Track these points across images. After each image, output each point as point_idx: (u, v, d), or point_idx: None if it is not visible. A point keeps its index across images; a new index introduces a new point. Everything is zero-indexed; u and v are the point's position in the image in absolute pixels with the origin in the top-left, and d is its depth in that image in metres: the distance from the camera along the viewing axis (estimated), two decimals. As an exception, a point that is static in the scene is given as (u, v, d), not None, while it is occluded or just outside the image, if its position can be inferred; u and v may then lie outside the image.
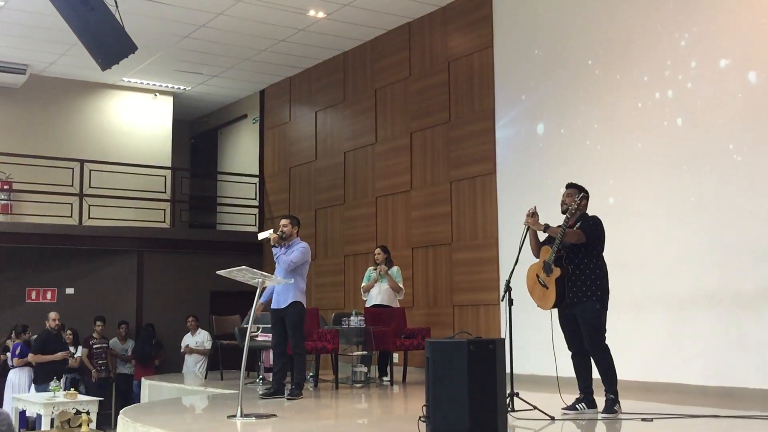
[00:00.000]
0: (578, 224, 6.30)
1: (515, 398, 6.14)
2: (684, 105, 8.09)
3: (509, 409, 5.97)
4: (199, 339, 12.27)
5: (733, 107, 7.68)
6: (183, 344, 12.35)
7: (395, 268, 9.91)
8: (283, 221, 7.95)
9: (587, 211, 6.41)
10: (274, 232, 7.81)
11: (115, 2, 9.36)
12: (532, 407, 6.04)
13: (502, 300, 6.40)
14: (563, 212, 6.34)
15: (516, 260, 6.43)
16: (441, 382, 4.57)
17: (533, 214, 6.38)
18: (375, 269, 9.90)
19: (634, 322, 8.11)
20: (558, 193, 6.60)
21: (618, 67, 8.77)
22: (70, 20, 9.18)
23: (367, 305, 9.81)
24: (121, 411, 6.82)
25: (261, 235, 7.90)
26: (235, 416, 6.18)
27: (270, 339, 8.46)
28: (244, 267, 6.54)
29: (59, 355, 10.65)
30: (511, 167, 9.89)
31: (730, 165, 7.65)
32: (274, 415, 6.43)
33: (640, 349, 8.00)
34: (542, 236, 6.45)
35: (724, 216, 7.64)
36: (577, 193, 6.37)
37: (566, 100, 9.30)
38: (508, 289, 6.40)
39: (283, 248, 7.82)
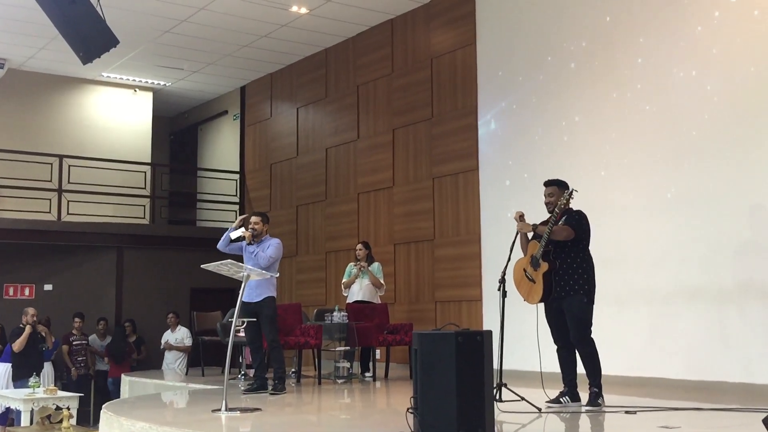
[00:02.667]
0: (563, 219, 6.33)
1: (503, 389, 6.18)
2: (665, 101, 8.16)
3: (497, 398, 6.02)
4: (179, 336, 12.21)
5: (714, 103, 7.75)
6: (163, 341, 12.29)
7: (376, 264, 9.91)
8: (254, 218, 8.01)
9: (571, 206, 6.44)
10: (246, 230, 7.84)
11: (97, -5, 9.31)
12: (520, 398, 6.08)
13: (499, 290, 6.42)
14: (550, 211, 6.37)
15: (508, 258, 6.47)
16: (429, 374, 4.58)
17: (521, 218, 6.42)
18: (356, 265, 9.89)
19: (617, 317, 8.16)
20: (541, 189, 6.62)
21: (600, 63, 8.82)
22: (51, 13, 9.09)
23: (348, 301, 9.81)
24: (104, 406, 6.76)
25: (234, 234, 7.89)
26: (219, 410, 6.16)
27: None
28: (229, 261, 6.52)
29: (28, 328, 10.57)
30: (494, 164, 9.92)
31: (711, 161, 7.72)
32: (259, 409, 6.41)
33: (623, 343, 8.05)
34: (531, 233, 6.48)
35: (706, 212, 7.71)
36: (559, 189, 6.40)
37: (548, 96, 9.34)
38: (503, 281, 6.42)
39: (255, 245, 7.85)
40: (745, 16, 7.60)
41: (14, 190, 13.01)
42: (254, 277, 6.97)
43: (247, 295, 7.75)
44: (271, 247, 7.83)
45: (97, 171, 13.90)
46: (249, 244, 7.89)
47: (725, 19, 7.75)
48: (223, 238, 8.00)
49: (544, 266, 6.24)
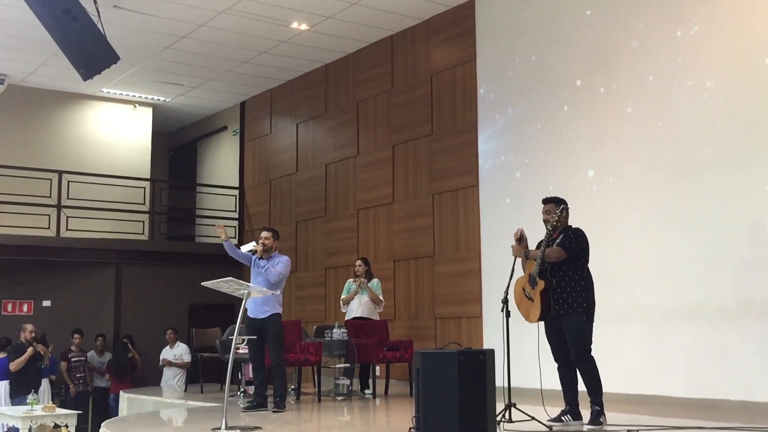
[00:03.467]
0: (560, 236, 6.33)
1: (513, 409, 6.15)
2: (665, 118, 8.17)
3: (506, 419, 6.00)
4: (177, 352, 12.15)
5: (714, 120, 7.77)
6: (162, 357, 12.24)
7: (375, 281, 9.89)
8: (265, 234, 8.01)
9: (570, 223, 6.44)
10: (257, 244, 7.87)
11: (98, 12, 9.33)
12: (530, 418, 6.05)
13: (502, 311, 6.40)
14: (547, 228, 6.36)
15: (510, 278, 6.45)
16: (431, 393, 4.56)
17: (519, 239, 6.42)
18: (355, 281, 9.87)
19: (617, 334, 8.14)
20: (541, 206, 6.61)
21: (600, 80, 8.84)
22: (51, 30, 9.12)
23: (347, 318, 9.78)
24: (102, 424, 6.73)
25: (245, 248, 7.91)
26: (219, 429, 6.12)
27: (251, 351, 8.37)
28: (230, 278, 6.50)
29: (30, 350, 10.55)
30: (494, 180, 9.92)
31: (711, 178, 7.72)
32: (259, 428, 6.37)
33: (623, 361, 8.03)
34: (532, 246, 6.47)
35: (705, 229, 7.71)
36: (556, 207, 6.40)
37: (549, 113, 9.35)
38: (506, 301, 6.40)
39: (265, 261, 7.85)
40: (745, 34, 7.62)
41: (13, 206, 12.98)
42: (254, 294, 6.94)
43: (253, 311, 7.74)
44: (281, 263, 7.86)
45: (97, 186, 13.90)
46: (260, 258, 7.88)
47: (726, 38, 7.77)
48: (227, 247, 7.94)
49: (541, 284, 6.24)
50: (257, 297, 7.61)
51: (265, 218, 13.90)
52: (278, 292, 7.80)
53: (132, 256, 13.80)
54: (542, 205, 6.55)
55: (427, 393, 4.56)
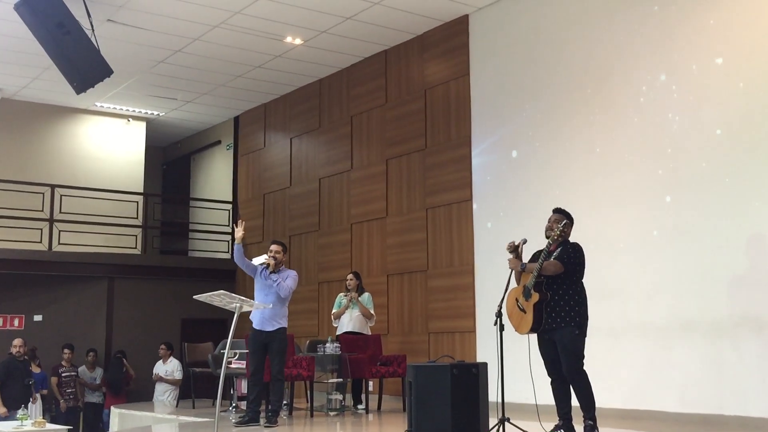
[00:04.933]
0: (558, 250, 6.31)
1: (506, 424, 6.09)
2: (659, 134, 8.18)
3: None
4: (169, 368, 12.04)
5: (709, 135, 7.77)
6: (154, 372, 12.15)
7: (366, 295, 9.83)
8: (276, 247, 8.01)
9: (569, 238, 6.42)
10: (268, 257, 7.91)
11: (91, 26, 9.34)
12: (523, 432, 6.01)
13: (495, 324, 6.36)
14: (547, 237, 6.36)
15: (504, 291, 6.42)
16: (424, 406, 4.53)
17: (513, 251, 6.40)
18: (346, 295, 9.81)
19: (612, 349, 8.11)
20: (535, 221, 6.64)
21: (594, 96, 8.85)
22: (45, 43, 9.13)
23: (338, 332, 9.72)
24: (92, 439, 6.65)
25: (257, 260, 7.92)
26: (210, 443, 6.07)
27: (244, 366, 8.32)
28: (222, 291, 6.46)
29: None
30: (488, 195, 9.91)
31: (706, 193, 7.72)
32: (250, 443, 6.32)
33: (618, 376, 8.01)
34: (526, 257, 6.45)
35: (700, 244, 7.70)
36: (561, 220, 6.40)
37: (543, 128, 9.36)
38: (499, 314, 6.37)
39: (274, 274, 7.84)
40: (740, 51, 7.65)
41: (5, 220, 12.93)
42: (248, 308, 6.90)
43: (260, 323, 7.72)
44: (290, 278, 7.90)
45: (89, 201, 13.85)
46: (271, 272, 7.86)
47: (719, 57, 7.79)
48: (237, 250, 7.88)
49: (535, 297, 6.21)
50: (265, 310, 7.57)
51: (259, 233, 13.86)
52: (286, 308, 7.80)
53: (124, 270, 13.74)
54: (551, 214, 6.52)
55: (419, 406, 4.53)
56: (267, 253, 8.01)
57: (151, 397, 12.18)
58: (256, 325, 7.72)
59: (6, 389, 10.44)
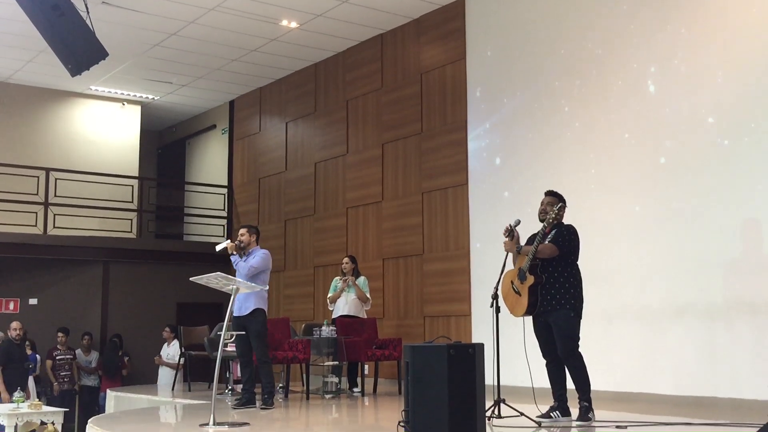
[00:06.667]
0: (553, 232, 6.34)
1: (502, 405, 6.14)
2: (655, 119, 8.19)
3: (496, 415, 6.03)
4: (171, 351, 11.98)
5: (702, 119, 7.79)
6: (160, 355, 12.07)
7: (362, 278, 9.84)
8: (241, 230, 8.01)
9: (564, 220, 6.44)
10: (231, 242, 7.82)
11: (86, 8, 9.28)
12: (519, 413, 6.05)
13: (492, 306, 6.40)
14: (541, 221, 6.38)
15: (500, 274, 6.44)
16: (420, 387, 4.55)
17: (509, 234, 6.42)
18: (342, 279, 9.83)
19: (606, 333, 8.16)
20: (530, 204, 6.64)
21: (590, 80, 8.86)
22: (40, 26, 9.06)
23: (334, 316, 9.72)
24: (89, 420, 6.68)
25: (218, 246, 7.86)
26: (207, 424, 6.09)
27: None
28: (219, 273, 6.48)
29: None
30: (483, 179, 9.93)
31: (699, 176, 7.74)
32: (247, 424, 6.34)
33: (613, 359, 8.05)
34: (523, 241, 6.48)
35: (694, 229, 7.73)
36: (556, 202, 6.41)
37: (538, 112, 9.37)
38: (495, 297, 6.40)
39: (244, 257, 7.81)
40: (731, 41, 7.66)
41: (0, 203, 12.90)
42: (243, 290, 6.92)
43: (237, 308, 7.69)
44: (256, 257, 7.76)
45: (84, 184, 13.83)
46: (231, 254, 7.81)
47: (712, 43, 7.80)
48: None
49: (530, 279, 6.24)
50: (240, 294, 7.55)
51: (254, 217, 13.87)
52: (265, 287, 7.73)
53: (120, 254, 13.74)
54: (543, 197, 6.53)
55: (416, 386, 4.55)
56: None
57: (147, 381, 12.19)
58: (234, 311, 7.70)
59: (6, 372, 10.44)
